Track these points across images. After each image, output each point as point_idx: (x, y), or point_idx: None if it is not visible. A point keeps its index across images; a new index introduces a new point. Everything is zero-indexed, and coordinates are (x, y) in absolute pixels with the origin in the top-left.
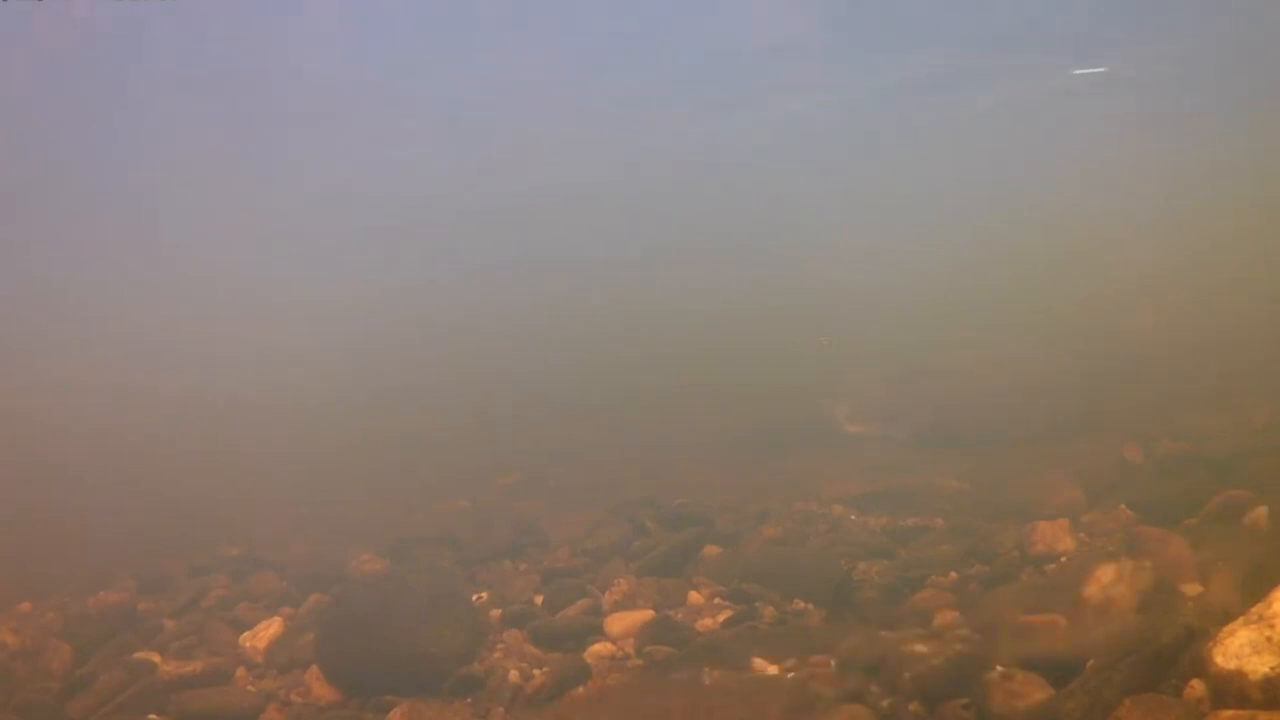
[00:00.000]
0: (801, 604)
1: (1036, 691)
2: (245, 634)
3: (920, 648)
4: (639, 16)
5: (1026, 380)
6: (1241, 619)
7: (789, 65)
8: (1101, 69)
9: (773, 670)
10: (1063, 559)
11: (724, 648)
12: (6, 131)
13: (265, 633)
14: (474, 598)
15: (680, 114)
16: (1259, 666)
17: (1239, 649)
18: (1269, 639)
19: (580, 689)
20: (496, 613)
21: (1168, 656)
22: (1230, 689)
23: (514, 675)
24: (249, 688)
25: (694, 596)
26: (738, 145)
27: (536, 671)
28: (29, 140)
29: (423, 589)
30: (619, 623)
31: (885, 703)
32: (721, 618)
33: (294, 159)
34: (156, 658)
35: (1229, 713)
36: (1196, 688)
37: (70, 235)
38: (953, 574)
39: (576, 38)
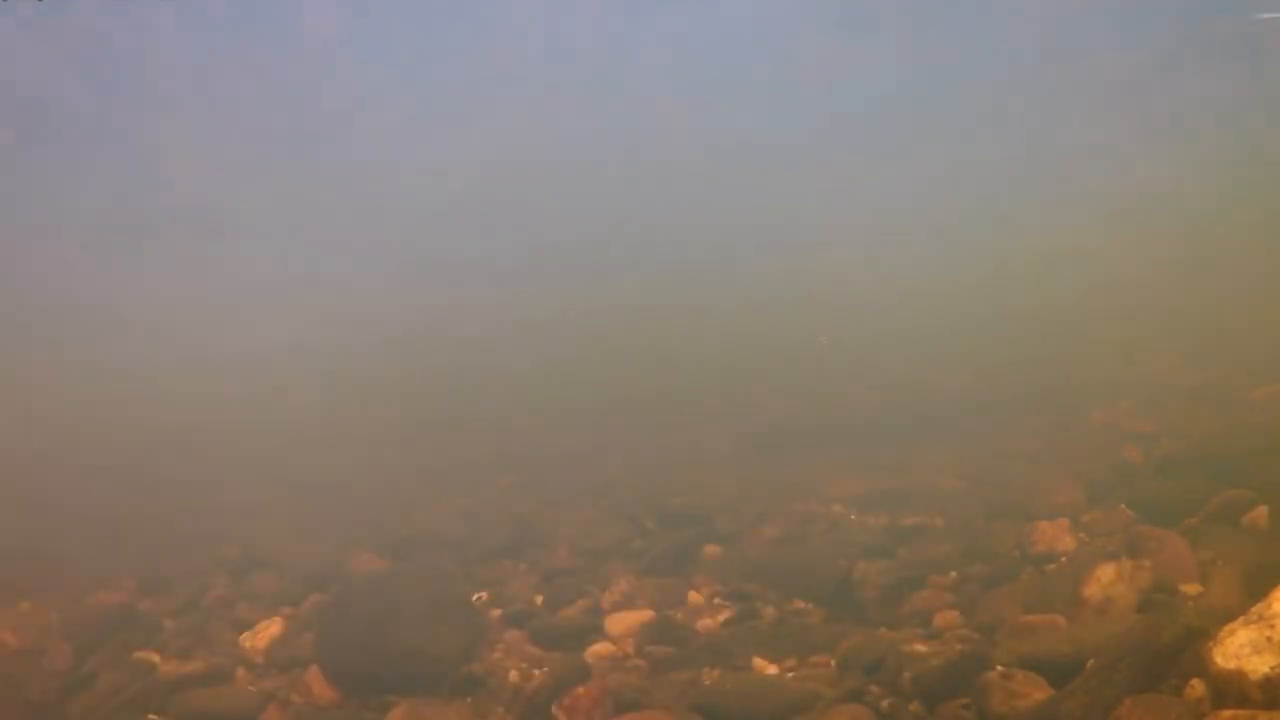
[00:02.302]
0: (801, 604)
1: (1036, 691)
2: (245, 634)
3: (920, 648)
4: None
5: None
6: (1241, 619)
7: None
8: None
9: (773, 670)
10: (1063, 559)
11: (724, 648)
12: (9, 130)
13: (265, 633)
14: (474, 598)
15: (683, 105)
16: (1259, 666)
17: (1239, 649)
18: (1269, 639)
19: (580, 688)
20: (496, 613)
21: (1168, 656)
22: (1230, 689)
23: (514, 675)
24: (249, 688)
25: (694, 596)
26: (736, 140)
27: (536, 671)
28: (31, 137)
29: (423, 589)
30: (619, 623)
31: (885, 703)
32: (721, 618)
33: (293, 158)
34: (156, 658)
35: (1229, 713)
36: (1196, 688)
37: (70, 233)
38: (953, 574)
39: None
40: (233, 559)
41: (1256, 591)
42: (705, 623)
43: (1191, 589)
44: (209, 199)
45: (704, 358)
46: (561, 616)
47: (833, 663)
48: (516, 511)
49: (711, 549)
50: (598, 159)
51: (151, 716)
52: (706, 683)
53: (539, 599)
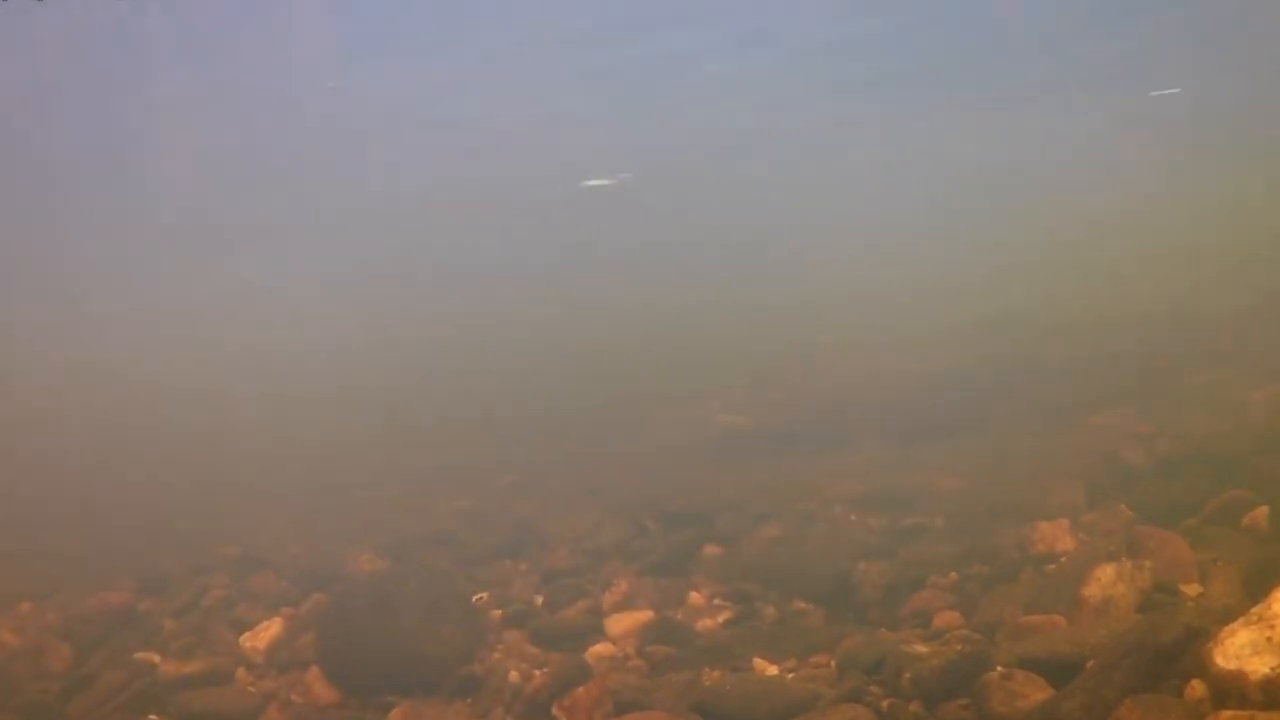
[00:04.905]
0: (801, 604)
1: (1036, 691)
2: (245, 634)
3: (920, 648)
4: None
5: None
6: (1241, 619)
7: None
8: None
9: (773, 670)
10: (1063, 559)
11: (724, 648)
12: (7, 130)
13: (265, 633)
14: (474, 598)
15: (685, 109)
16: (1259, 667)
17: (1239, 649)
18: (1269, 639)
19: (580, 689)
20: (496, 613)
21: (1168, 656)
22: (1230, 689)
23: (514, 675)
24: (249, 688)
25: (694, 596)
26: (736, 140)
27: (536, 672)
28: (31, 138)
29: (423, 589)
30: (619, 623)
31: (885, 703)
32: (721, 618)
33: (293, 159)
34: (156, 658)
35: (1229, 713)
36: (1197, 688)
37: (72, 234)
38: (953, 574)
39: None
40: (233, 559)
41: (1256, 592)
42: (705, 623)
43: (1191, 589)
44: (213, 203)
45: (704, 359)
46: (561, 617)
47: (833, 663)
48: (516, 511)
49: (711, 549)
50: (598, 163)
51: (151, 717)
52: (706, 683)
53: (539, 599)
